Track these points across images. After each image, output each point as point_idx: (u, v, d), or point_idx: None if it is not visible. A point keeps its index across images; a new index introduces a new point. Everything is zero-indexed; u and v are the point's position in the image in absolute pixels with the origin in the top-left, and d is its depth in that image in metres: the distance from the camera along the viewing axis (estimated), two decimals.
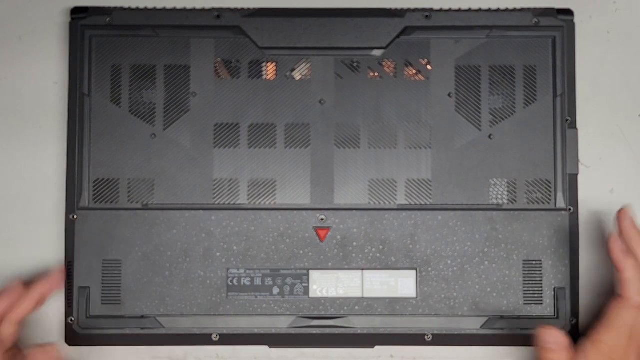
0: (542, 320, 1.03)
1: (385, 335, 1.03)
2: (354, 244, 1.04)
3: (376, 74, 1.05)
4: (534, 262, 1.03)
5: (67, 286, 1.03)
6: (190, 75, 1.05)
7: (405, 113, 1.05)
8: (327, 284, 1.03)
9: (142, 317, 1.03)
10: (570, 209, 1.04)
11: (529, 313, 1.03)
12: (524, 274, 1.03)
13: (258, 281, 1.03)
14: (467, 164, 1.04)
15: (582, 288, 1.05)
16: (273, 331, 1.03)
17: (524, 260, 1.03)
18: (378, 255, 1.03)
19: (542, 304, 1.03)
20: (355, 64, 1.05)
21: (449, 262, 1.03)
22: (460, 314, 1.03)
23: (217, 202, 1.04)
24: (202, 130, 1.04)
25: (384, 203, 1.04)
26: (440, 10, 1.06)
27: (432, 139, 1.04)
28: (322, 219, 1.04)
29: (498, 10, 1.06)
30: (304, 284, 1.03)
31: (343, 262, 1.03)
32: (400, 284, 1.03)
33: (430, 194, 1.04)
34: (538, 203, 1.04)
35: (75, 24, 1.05)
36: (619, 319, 0.95)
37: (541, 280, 1.03)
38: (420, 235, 1.03)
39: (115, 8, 1.05)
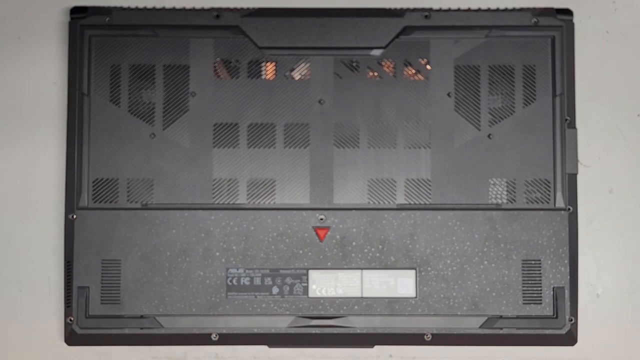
0: (541, 319, 1.03)
1: (384, 334, 1.03)
2: (353, 243, 1.03)
3: (375, 73, 1.05)
4: (533, 262, 1.03)
5: (67, 286, 1.03)
6: (190, 75, 1.05)
7: (404, 113, 1.05)
8: (326, 284, 1.03)
9: (142, 316, 1.03)
10: (569, 209, 1.04)
11: (528, 313, 1.03)
12: (523, 273, 1.03)
13: (257, 281, 1.03)
14: (467, 164, 1.04)
15: (581, 288, 1.06)
16: (272, 331, 1.03)
17: (523, 260, 1.03)
18: (377, 254, 1.03)
19: (541, 303, 1.03)
20: (354, 64, 1.05)
21: (448, 261, 1.03)
22: (459, 313, 1.03)
23: (216, 202, 1.04)
24: (201, 130, 1.04)
25: (384, 203, 1.04)
26: (440, 10, 1.06)
27: (432, 139, 1.04)
28: (321, 219, 1.04)
29: (497, 10, 1.06)
30: (303, 284, 1.03)
31: (342, 261, 1.03)
32: (400, 283, 1.03)
33: (430, 194, 1.04)
34: (537, 203, 1.04)
35: (74, 23, 1.05)
36: None
37: (540, 280, 1.03)
38: (419, 235, 1.03)
39: (115, 8, 1.05)
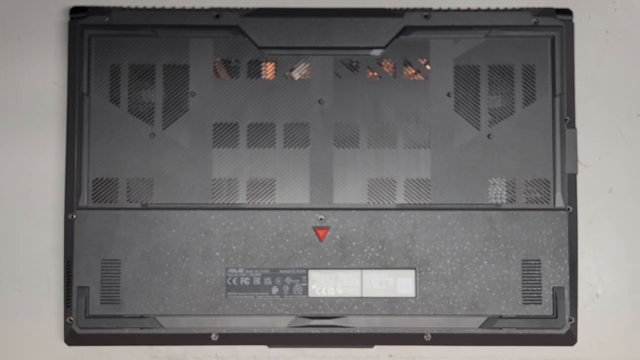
0: (541, 319, 1.03)
1: (384, 334, 1.03)
2: (353, 243, 1.04)
3: (375, 73, 1.05)
4: (532, 262, 1.03)
5: (67, 286, 1.03)
6: (189, 74, 1.05)
7: (404, 113, 1.05)
8: (326, 284, 1.03)
9: (141, 316, 1.03)
10: (569, 209, 1.04)
11: (527, 313, 1.03)
12: (522, 273, 1.03)
13: (257, 281, 1.03)
14: (466, 164, 1.04)
15: (581, 288, 1.06)
16: (272, 331, 1.03)
17: (522, 260, 1.03)
18: (377, 254, 1.03)
19: (541, 303, 1.03)
20: (354, 64, 1.05)
21: (448, 261, 1.03)
22: (459, 313, 1.03)
23: (216, 202, 1.04)
24: (201, 130, 1.04)
25: (383, 203, 1.04)
26: (440, 10, 1.06)
27: (431, 139, 1.05)
28: (321, 219, 1.04)
29: (497, 10, 1.06)
30: (303, 284, 1.03)
31: (342, 261, 1.03)
32: (399, 283, 1.03)
33: (429, 194, 1.04)
34: (537, 203, 1.04)
35: (74, 23, 1.05)
36: None
37: (540, 280, 1.03)
38: (419, 235, 1.03)
39: (114, 8, 1.05)
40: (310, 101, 1.05)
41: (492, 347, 1.06)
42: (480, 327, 1.03)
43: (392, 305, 1.03)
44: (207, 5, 1.07)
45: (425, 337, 1.03)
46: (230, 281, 1.03)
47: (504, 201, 1.04)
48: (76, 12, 1.05)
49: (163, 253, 1.03)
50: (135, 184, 1.04)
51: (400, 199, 1.04)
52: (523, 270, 1.03)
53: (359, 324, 1.03)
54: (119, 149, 1.04)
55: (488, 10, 1.06)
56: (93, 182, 1.04)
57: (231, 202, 1.04)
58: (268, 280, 1.03)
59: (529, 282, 1.03)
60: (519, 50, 1.05)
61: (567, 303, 1.03)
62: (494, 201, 1.04)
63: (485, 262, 1.03)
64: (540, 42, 1.05)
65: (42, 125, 1.08)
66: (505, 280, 1.03)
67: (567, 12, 1.06)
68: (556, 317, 1.03)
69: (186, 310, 1.03)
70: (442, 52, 1.05)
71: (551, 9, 1.06)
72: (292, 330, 1.03)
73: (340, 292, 1.03)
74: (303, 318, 1.03)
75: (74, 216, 1.03)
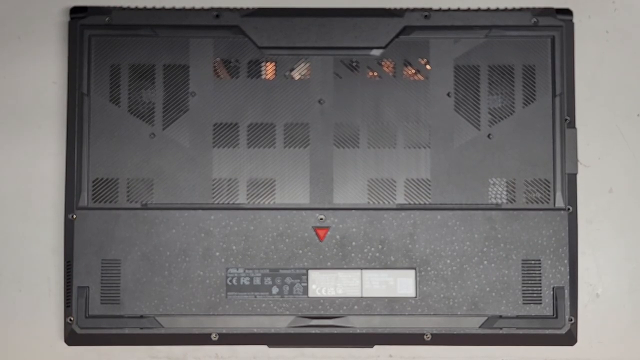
0: (541, 319, 1.03)
1: (384, 334, 1.03)
2: (353, 243, 1.04)
3: (375, 73, 1.05)
4: (532, 262, 1.03)
5: (67, 286, 1.03)
6: (190, 75, 1.05)
7: (404, 113, 1.05)
8: (326, 284, 1.03)
9: (141, 316, 1.03)
10: (569, 209, 1.04)
11: (527, 313, 1.03)
12: (522, 273, 1.03)
13: (257, 281, 1.03)
14: (466, 164, 1.04)
15: (581, 288, 1.06)
16: (272, 331, 1.03)
17: (522, 260, 1.03)
18: (377, 254, 1.03)
19: (541, 303, 1.03)
20: (354, 64, 1.05)
21: (448, 261, 1.03)
22: (459, 313, 1.03)
23: (216, 202, 1.04)
24: (201, 130, 1.04)
25: (383, 203, 1.04)
26: (440, 10, 1.06)
27: (431, 139, 1.05)
28: (321, 219, 1.04)
29: (497, 9, 1.06)
30: (303, 284, 1.03)
31: (342, 261, 1.03)
32: (399, 283, 1.03)
33: (430, 194, 1.04)
34: (537, 202, 1.04)
35: (74, 23, 1.05)
36: None
37: (540, 280, 1.03)
38: (419, 235, 1.03)
39: (115, 8, 1.05)
40: (310, 101, 1.05)
41: (492, 347, 1.06)
42: (480, 327, 1.03)
43: (392, 305, 1.03)
44: (207, 5, 1.07)
45: (425, 337, 1.03)
46: (230, 281, 1.03)
47: (504, 201, 1.04)
48: (76, 12, 1.05)
49: (163, 253, 1.03)
50: (135, 184, 1.04)
51: (400, 199, 1.04)
52: (523, 270, 1.03)
53: (359, 324, 1.03)
54: (119, 149, 1.04)
55: (488, 10, 1.06)
56: (93, 182, 1.04)
57: (231, 202, 1.04)
58: (268, 280, 1.03)
59: (529, 282, 1.03)
60: (519, 50, 1.05)
61: (567, 303, 1.03)
62: (494, 201, 1.04)
63: (485, 262, 1.03)
64: (540, 42, 1.05)
65: (42, 125, 1.08)
66: (505, 280, 1.03)
67: (567, 12, 1.06)
68: (556, 317, 1.03)
69: (186, 310, 1.03)
70: (442, 52, 1.05)
71: (551, 9, 1.06)
72: (292, 330, 1.03)
73: (340, 292, 1.03)
74: (303, 318, 1.03)
75: (74, 216, 1.03)
